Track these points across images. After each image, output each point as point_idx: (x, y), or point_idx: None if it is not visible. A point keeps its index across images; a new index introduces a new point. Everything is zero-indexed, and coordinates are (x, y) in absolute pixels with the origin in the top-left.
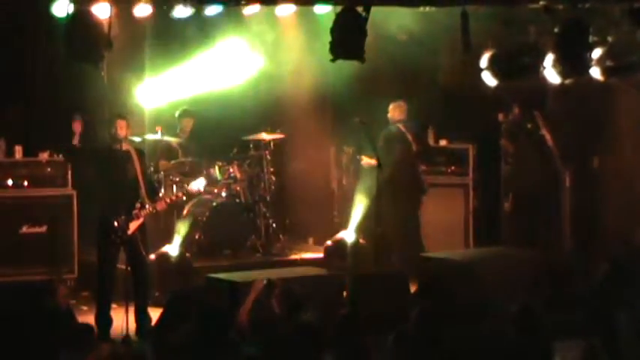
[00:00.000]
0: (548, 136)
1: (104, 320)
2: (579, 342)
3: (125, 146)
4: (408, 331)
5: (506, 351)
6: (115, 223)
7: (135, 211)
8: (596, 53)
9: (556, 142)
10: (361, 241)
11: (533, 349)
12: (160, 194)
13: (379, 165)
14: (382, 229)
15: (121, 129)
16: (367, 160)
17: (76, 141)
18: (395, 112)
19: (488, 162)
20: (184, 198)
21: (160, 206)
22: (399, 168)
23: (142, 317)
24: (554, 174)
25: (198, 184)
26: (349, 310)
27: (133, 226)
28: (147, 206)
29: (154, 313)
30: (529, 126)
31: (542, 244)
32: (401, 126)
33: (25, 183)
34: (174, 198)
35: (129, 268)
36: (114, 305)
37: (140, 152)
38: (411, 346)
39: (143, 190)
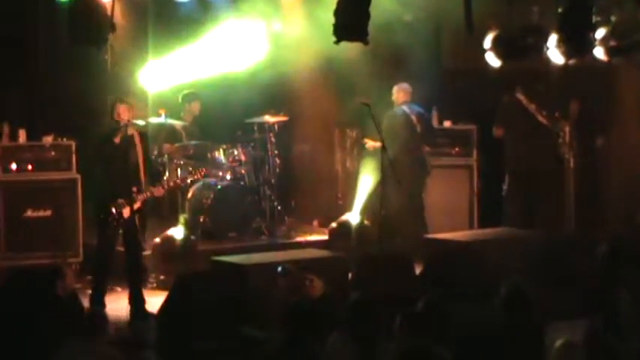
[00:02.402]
0: (538, 114)
1: (98, 304)
2: (581, 321)
3: (130, 131)
4: (414, 312)
5: (499, 333)
6: (113, 208)
7: (132, 196)
8: (600, 33)
9: (549, 119)
10: (366, 223)
11: (524, 332)
12: (165, 178)
13: (383, 147)
14: (386, 211)
15: (123, 113)
16: (371, 143)
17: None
18: (399, 94)
19: (493, 143)
20: (182, 185)
21: (158, 192)
22: (403, 150)
23: (135, 299)
24: (553, 153)
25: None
26: (361, 294)
27: (129, 210)
28: (144, 191)
29: (160, 297)
30: (532, 106)
31: (540, 224)
32: (405, 108)
33: (29, 167)
34: (172, 184)
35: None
36: (119, 289)
37: (143, 136)
38: (418, 327)
39: (142, 175)
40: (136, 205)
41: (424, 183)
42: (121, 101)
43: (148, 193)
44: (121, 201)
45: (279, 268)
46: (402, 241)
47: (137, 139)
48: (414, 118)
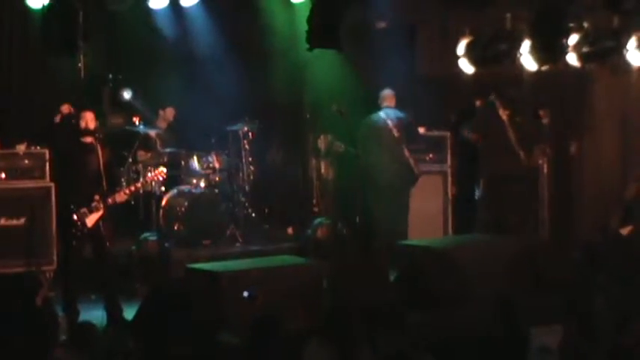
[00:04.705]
0: (507, 124)
1: (71, 312)
2: (557, 327)
3: (88, 138)
4: (389, 319)
5: (483, 337)
6: (75, 217)
7: (94, 204)
8: (573, 39)
9: (516, 133)
10: (341, 229)
11: (510, 336)
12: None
13: (357, 154)
14: (362, 217)
15: (89, 121)
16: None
17: (57, 119)
18: (381, 99)
19: (467, 149)
20: (141, 190)
21: (120, 197)
22: (387, 156)
23: (111, 307)
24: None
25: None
26: (338, 300)
27: (93, 218)
28: (107, 198)
29: (135, 304)
30: (507, 112)
31: (513, 230)
32: (381, 113)
33: (3, 175)
34: (133, 189)
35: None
36: (93, 296)
37: (104, 144)
38: (393, 334)
39: (104, 183)
40: (99, 213)
41: (410, 189)
42: (87, 109)
43: (111, 200)
44: (83, 210)
45: (245, 294)
46: (378, 247)
47: (99, 147)
48: (389, 122)
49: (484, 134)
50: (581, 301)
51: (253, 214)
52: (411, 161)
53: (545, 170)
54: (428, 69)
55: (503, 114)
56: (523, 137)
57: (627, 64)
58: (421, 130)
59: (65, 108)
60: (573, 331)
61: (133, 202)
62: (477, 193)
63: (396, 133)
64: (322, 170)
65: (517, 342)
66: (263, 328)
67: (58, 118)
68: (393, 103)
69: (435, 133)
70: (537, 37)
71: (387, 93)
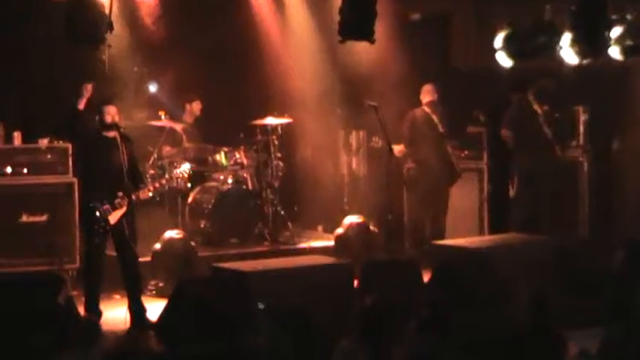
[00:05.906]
0: (543, 119)
1: (93, 312)
2: (596, 330)
3: (112, 133)
4: (424, 319)
5: (519, 338)
6: (97, 213)
7: (117, 201)
8: (615, 32)
9: (553, 128)
10: (372, 228)
11: (545, 337)
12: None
13: (390, 149)
14: (393, 216)
15: (110, 115)
16: (398, 148)
17: (81, 105)
18: (422, 94)
19: (503, 146)
20: (166, 186)
21: (144, 195)
22: (429, 151)
23: (134, 307)
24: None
25: (182, 169)
26: (373, 300)
27: (116, 215)
28: (130, 195)
29: (160, 304)
30: (542, 108)
31: (549, 228)
32: (426, 108)
33: (25, 170)
34: (157, 185)
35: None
36: (117, 296)
37: (127, 139)
38: (427, 334)
39: (127, 179)
40: (122, 210)
41: (451, 186)
42: (109, 102)
43: (134, 197)
44: (106, 207)
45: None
46: (410, 246)
47: (121, 142)
48: (435, 117)
49: (518, 129)
50: (623, 301)
51: (282, 212)
52: (454, 158)
53: (586, 167)
54: (462, 62)
55: (540, 109)
56: (560, 133)
57: None
58: None
59: (88, 89)
60: (617, 334)
61: (157, 199)
62: (512, 191)
63: (441, 129)
64: (353, 167)
65: (552, 343)
66: (292, 329)
67: (82, 105)
68: (435, 97)
69: (471, 129)
70: (578, 29)
71: (429, 87)
